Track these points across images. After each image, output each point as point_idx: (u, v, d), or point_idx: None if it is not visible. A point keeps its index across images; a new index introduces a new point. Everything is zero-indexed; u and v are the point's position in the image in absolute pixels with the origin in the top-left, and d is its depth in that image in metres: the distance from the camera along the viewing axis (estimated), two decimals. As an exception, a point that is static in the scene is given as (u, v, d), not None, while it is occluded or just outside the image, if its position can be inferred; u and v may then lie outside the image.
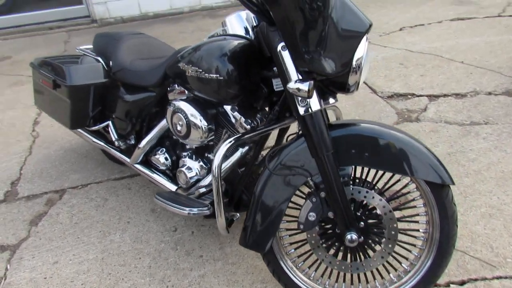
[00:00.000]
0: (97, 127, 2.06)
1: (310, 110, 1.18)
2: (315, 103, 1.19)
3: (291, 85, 1.14)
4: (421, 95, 2.90)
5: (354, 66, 1.12)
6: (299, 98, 1.18)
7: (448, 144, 2.33)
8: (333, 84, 1.21)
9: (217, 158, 1.24)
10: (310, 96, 1.14)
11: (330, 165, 1.20)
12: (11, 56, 4.44)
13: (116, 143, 1.96)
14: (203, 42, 1.41)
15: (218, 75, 1.31)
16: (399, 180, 1.34)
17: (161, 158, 1.78)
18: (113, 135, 1.97)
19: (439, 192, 1.22)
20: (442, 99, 2.82)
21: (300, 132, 1.26)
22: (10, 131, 2.86)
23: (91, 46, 2.13)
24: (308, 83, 1.12)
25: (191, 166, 1.63)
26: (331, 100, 1.26)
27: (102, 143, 2.08)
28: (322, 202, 1.27)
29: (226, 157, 1.53)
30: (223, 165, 1.50)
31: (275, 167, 1.26)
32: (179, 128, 1.54)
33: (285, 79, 1.18)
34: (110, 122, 2.01)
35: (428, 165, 1.19)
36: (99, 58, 1.98)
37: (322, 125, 1.21)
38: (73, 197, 2.15)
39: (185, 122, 1.49)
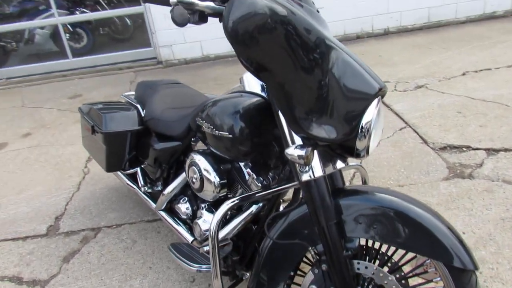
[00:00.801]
0: (132, 170, 2.14)
1: (311, 177, 1.12)
2: (317, 169, 1.12)
3: (289, 151, 1.09)
4: (478, 148, 2.65)
5: (362, 130, 1.05)
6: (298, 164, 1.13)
7: (504, 207, 2.07)
8: (339, 148, 1.14)
9: (215, 218, 1.21)
10: (307, 164, 1.08)
11: (331, 236, 1.11)
12: (82, 94, 4.86)
13: (144, 188, 2.02)
14: (218, 98, 1.42)
15: (228, 133, 1.29)
16: (415, 257, 1.20)
17: (183, 207, 1.79)
18: (141, 180, 2.02)
19: (460, 277, 1.06)
20: (502, 154, 2.55)
21: (302, 198, 1.19)
22: (65, 166, 3.07)
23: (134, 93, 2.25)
24: (305, 149, 1.07)
25: (206, 219, 1.61)
26: (340, 165, 1.19)
27: (134, 186, 2.15)
28: (324, 275, 1.17)
29: (239, 212, 1.49)
30: (233, 222, 1.46)
31: (275, 234, 1.19)
32: (193, 180, 1.54)
33: (286, 143, 1.13)
34: (140, 167, 2.08)
35: (448, 246, 1.04)
36: (138, 106, 2.08)
37: (324, 192, 1.13)
38: (106, 236, 2.22)
39: (198, 175, 1.49)
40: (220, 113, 1.34)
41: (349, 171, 2.52)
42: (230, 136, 1.29)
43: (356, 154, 1.11)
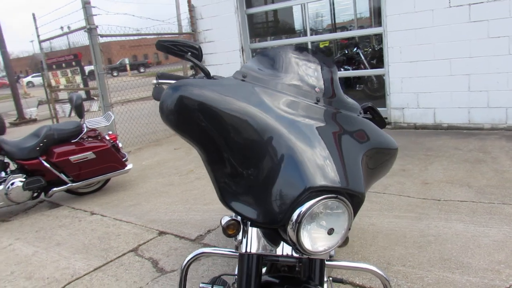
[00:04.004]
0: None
1: (240, 248, 1.23)
2: (248, 245, 1.22)
3: (223, 219, 1.24)
4: None
5: (291, 222, 1.10)
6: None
7: None
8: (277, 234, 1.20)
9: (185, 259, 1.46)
10: (225, 234, 1.21)
11: None
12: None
13: None
14: None
15: None
16: None
17: None
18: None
19: None
20: None
21: None
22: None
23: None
24: (226, 220, 1.21)
25: None
26: (272, 251, 1.23)
27: None
28: None
29: None
30: None
31: None
32: None
33: None
34: None
35: None
36: None
37: (250, 271, 1.21)
38: (217, 259, 2.69)
39: None
40: None
41: None
42: None
43: (293, 246, 1.14)
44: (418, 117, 5.47)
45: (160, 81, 1.37)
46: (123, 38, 6.35)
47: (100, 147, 4.06)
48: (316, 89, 1.36)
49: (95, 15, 5.43)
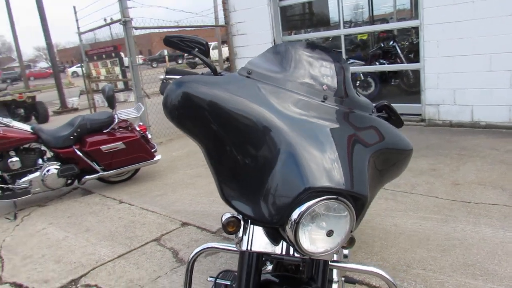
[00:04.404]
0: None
1: (239, 247, 1.23)
2: (249, 242, 1.22)
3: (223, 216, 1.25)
4: None
5: (290, 222, 1.09)
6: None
7: None
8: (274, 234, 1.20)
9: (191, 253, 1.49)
10: (225, 231, 1.22)
11: None
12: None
13: None
14: None
15: None
16: None
17: None
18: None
19: None
20: None
21: None
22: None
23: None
24: (227, 217, 1.22)
25: None
26: (273, 249, 1.22)
27: None
28: None
29: None
30: None
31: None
32: None
33: None
34: None
35: None
36: None
37: (250, 268, 1.21)
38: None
39: None
40: None
41: None
42: None
43: (292, 246, 1.14)
44: (454, 114, 5.24)
45: (167, 76, 1.39)
46: (161, 30, 6.44)
47: (130, 138, 4.18)
48: (324, 86, 1.33)
49: (130, 8, 5.56)
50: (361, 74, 7.16)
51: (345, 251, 2.10)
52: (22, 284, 2.61)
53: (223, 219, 1.23)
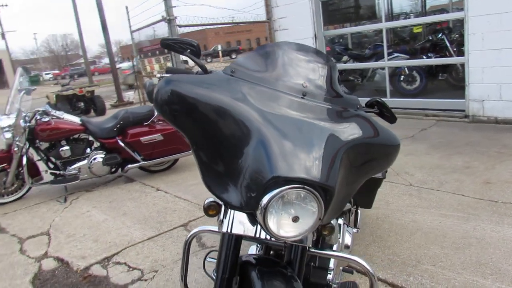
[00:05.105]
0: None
1: (220, 229, 1.37)
2: (229, 225, 1.35)
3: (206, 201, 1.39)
4: None
5: (260, 208, 1.20)
6: None
7: None
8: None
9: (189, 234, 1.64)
10: (206, 214, 1.36)
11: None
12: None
13: None
14: None
15: None
16: None
17: None
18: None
19: None
20: None
21: None
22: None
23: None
24: (208, 201, 1.36)
25: None
26: (252, 232, 1.33)
27: None
28: None
29: None
30: None
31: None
32: None
33: None
34: None
35: None
36: None
37: (229, 248, 1.35)
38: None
39: None
40: None
41: None
42: None
43: (264, 230, 1.25)
44: (499, 110, 4.99)
45: (164, 75, 1.54)
46: (208, 27, 6.68)
47: (167, 130, 4.45)
48: (304, 83, 1.42)
49: (174, 6, 5.85)
50: (406, 69, 6.95)
51: (347, 241, 2.17)
52: (64, 259, 2.94)
53: (205, 203, 1.36)
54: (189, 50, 1.46)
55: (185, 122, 1.35)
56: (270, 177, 1.18)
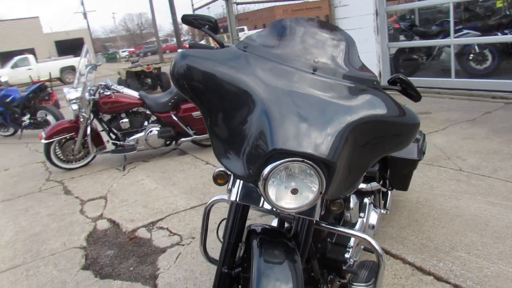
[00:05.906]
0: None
1: (229, 197, 1.45)
2: (235, 194, 1.43)
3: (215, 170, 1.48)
4: None
5: (261, 179, 1.27)
6: None
7: None
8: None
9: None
10: (215, 182, 1.45)
11: (225, 251, 1.42)
12: (431, 112, 5.13)
13: None
14: None
15: None
16: None
17: None
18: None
19: None
20: None
21: None
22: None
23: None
24: (217, 170, 1.44)
25: None
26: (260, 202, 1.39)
27: None
28: None
29: None
30: None
31: None
32: None
33: None
34: None
35: None
36: None
37: (236, 215, 1.43)
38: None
39: None
40: None
41: None
42: None
43: (266, 201, 1.32)
44: None
45: (183, 50, 1.62)
46: (264, 6, 6.70)
47: (218, 106, 4.59)
48: (315, 59, 1.42)
49: (232, -16, 5.91)
50: (476, 47, 6.43)
51: (372, 221, 2.16)
52: (115, 221, 3.23)
53: (214, 172, 1.45)
54: (207, 26, 1.53)
55: (198, 95, 1.43)
56: (270, 149, 1.22)
